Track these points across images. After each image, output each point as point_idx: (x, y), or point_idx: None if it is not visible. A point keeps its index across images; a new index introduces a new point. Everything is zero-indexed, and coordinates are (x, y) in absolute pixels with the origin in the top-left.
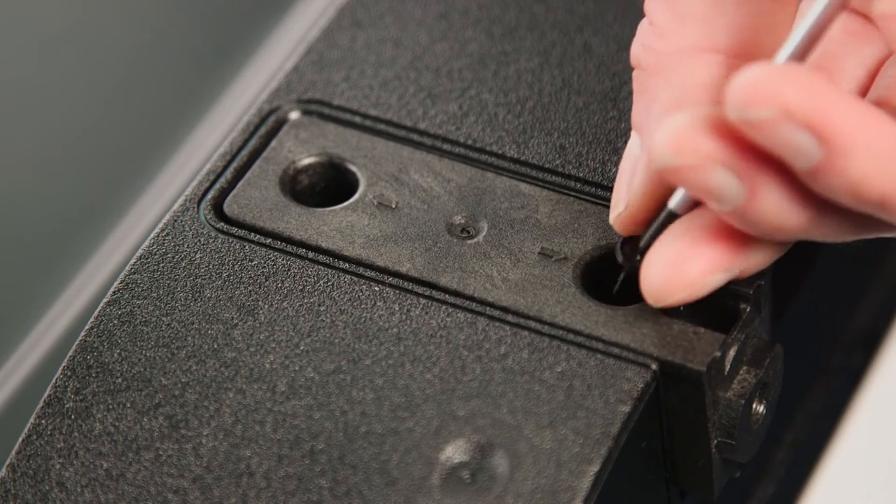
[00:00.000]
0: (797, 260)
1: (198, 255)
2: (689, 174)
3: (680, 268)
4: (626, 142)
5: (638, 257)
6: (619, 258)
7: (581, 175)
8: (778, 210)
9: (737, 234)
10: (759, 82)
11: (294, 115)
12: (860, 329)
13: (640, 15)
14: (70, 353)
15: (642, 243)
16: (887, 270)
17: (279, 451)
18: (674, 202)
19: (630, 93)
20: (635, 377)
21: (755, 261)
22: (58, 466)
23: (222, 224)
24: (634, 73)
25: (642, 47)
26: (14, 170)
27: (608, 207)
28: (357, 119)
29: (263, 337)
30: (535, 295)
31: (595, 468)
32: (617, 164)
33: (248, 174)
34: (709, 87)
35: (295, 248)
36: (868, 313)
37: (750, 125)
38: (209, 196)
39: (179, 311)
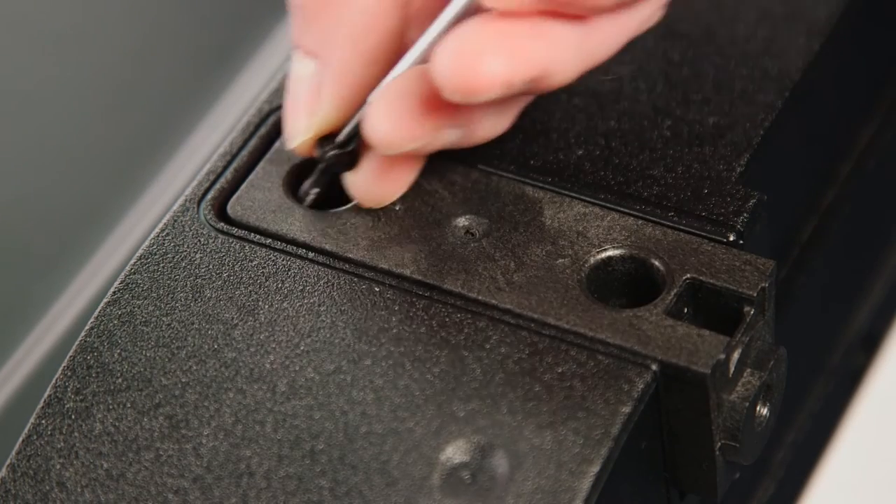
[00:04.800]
0: (796, 261)
1: (198, 256)
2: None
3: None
4: (625, 143)
5: (337, 151)
6: (318, 153)
7: (581, 178)
8: None
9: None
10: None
11: None
12: (860, 329)
13: None
14: (70, 353)
15: (341, 137)
16: (887, 270)
17: (279, 452)
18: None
19: (630, 94)
20: (635, 378)
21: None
22: (58, 466)
23: (222, 224)
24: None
25: None
26: (14, 170)
27: (611, 210)
28: None
29: (264, 337)
30: (539, 298)
31: (595, 469)
32: (616, 166)
33: (251, 176)
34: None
35: (295, 248)
36: (868, 313)
37: None
38: (209, 196)
39: (179, 311)
